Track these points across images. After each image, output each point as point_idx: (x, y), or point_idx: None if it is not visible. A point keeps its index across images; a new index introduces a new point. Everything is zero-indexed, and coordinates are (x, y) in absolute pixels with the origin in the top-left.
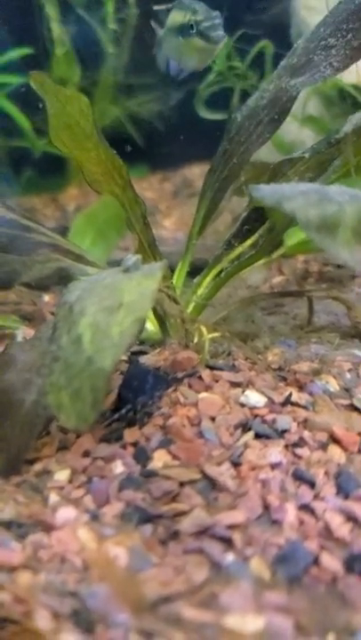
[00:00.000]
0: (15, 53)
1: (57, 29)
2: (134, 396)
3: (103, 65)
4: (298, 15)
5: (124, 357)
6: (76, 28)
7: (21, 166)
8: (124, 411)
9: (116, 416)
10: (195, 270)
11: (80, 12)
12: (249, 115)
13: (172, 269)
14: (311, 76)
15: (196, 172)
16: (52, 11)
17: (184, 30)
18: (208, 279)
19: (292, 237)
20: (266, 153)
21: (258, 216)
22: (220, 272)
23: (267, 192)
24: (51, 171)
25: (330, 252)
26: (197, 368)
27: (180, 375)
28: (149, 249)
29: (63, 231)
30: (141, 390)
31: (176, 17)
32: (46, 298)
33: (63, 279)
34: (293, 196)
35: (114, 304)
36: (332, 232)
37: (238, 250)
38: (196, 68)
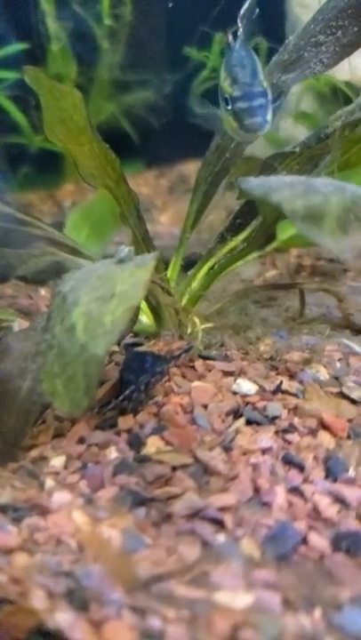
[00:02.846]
0: (11, 49)
1: (53, 25)
2: (136, 376)
3: (99, 61)
4: (292, 12)
5: (118, 349)
6: (72, 23)
7: (18, 162)
8: (127, 392)
9: (121, 398)
10: (190, 264)
11: (76, 7)
12: None
13: (167, 263)
14: (302, 72)
15: (191, 168)
16: (47, 6)
17: (224, 98)
18: (202, 272)
19: (285, 231)
20: (261, 149)
21: (250, 209)
22: (214, 265)
23: (254, 184)
24: (47, 167)
25: (315, 242)
26: (192, 343)
27: (176, 353)
28: (143, 242)
29: (59, 227)
30: (142, 370)
31: (221, 75)
32: (42, 292)
33: (59, 273)
34: (280, 187)
35: (106, 294)
36: (317, 222)
37: (232, 243)
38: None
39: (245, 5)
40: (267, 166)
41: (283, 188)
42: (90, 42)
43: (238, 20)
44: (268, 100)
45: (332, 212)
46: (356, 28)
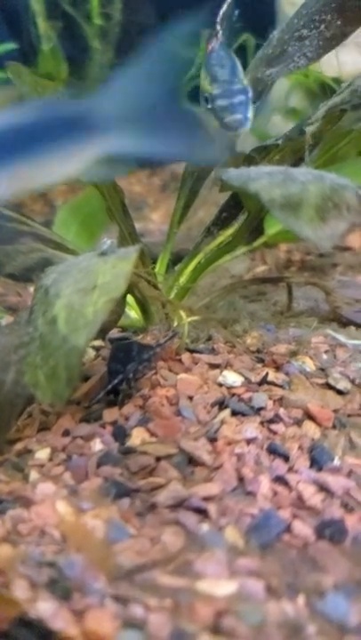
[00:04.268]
0: (1, 49)
1: (43, 24)
2: (123, 365)
3: (90, 60)
4: (282, 10)
5: (104, 343)
6: (62, 23)
7: None
8: (116, 380)
9: (109, 388)
10: (180, 260)
11: (65, 7)
12: None
13: (157, 259)
14: (286, 66)
15: (183, 167)
16: (37, 6)
17: (205, 97)
18: (190, 267)
19: (273, 226)
20: (250, 146)
21: (235, 203)
22: (201, 260)
23: (233, 175)
24: None
25: (293, 230)
26: (177, 330)
27: (162, 340)
28: (129, 237)
29: (50, 226)
30: (129, 358)
31: (202, 75)
32: (31, 289)
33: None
34: (259, 177)
35: (88, 286)
36: (295, 210)
37: (219, 238)
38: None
39: (224, 7)
40: (249, 159)
41: (261, 178)
42: (80, 41)
43: (217, 23)
44: (248, 98)
45: (310, 200)
46: (339, 22)
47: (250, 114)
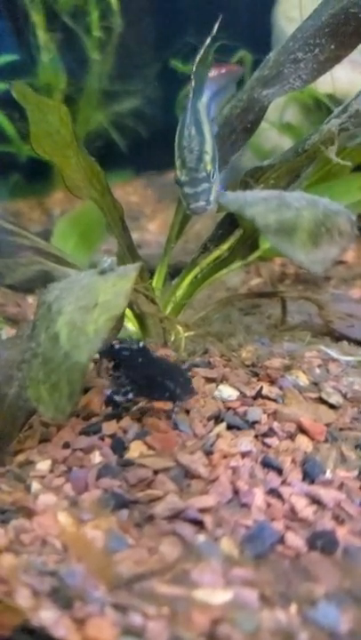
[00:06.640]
0: (1, 60)
1: (43, 36)
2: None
3: (89, 72)
4: (278, 25)
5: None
6: (62, 35)
7: (8, 171)
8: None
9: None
10: (177, 273)
11: (65, 19)
12: (224, 123)
13: (154, 271)
14: (281, 88)
15: None
16: (37, 18)
17: (175, 179)
18: (186, 281)
19: (267, 241)
20: (246, 160)
21: (231, 220)
22: (198, 274)
23: (230, 199)
24: (37, 176)
25: (287, 255)
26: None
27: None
28: (128, 251)
29: (48, 235)
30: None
31: (175, 146)
32: (30, 300)
33: (46, 281)
34: (255, 202)
35: (89, 303)
36: (289, 235)
37: (216, 253)
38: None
39: (199, 54)
40: (243, 183)
41: (257, 203)
42: (79, 53)
43: (192, 74)
44: (211, 183)
45: (303, 225)
46: (333, 46)
47: (212, 197)
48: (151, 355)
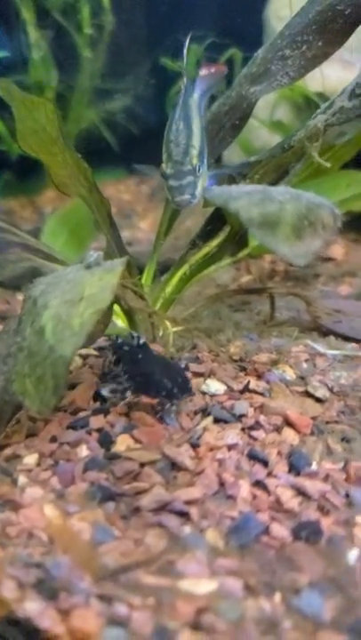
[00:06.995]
0: None
1: (33, 33)
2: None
3: (80, 69)
4: (269, 24)
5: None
6: (53, 32)
7: None
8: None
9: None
10: (167, 269)
11: (56, 16)
12: (212, 120)
13: (144, 268)
14: (269, 85)
15: None
16: (28, 15)
17: (161, 173)
18: (175, 277)
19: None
20: (236, 157)
21: (219, 216)
22: (187, 271)
23: (216, 193)
24: (28, 174)
25: (270, 247)
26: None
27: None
28: (116, 247)
29: (39, 233)
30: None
31: (163, 141)
32: (19, 297)
33: (35, 278)
34: (239, 196)
35: (75, 297)
36: (273, 228)
37: (204, 249)
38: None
39: (185, 57)
40: (229, 178)
41: (241, 197)
42: (71, 50)
43: (183, 72)
44: (197, 177)
45: (287, 219)
46: (320, 43)
47: (198, 191)
48: (151, 352)
